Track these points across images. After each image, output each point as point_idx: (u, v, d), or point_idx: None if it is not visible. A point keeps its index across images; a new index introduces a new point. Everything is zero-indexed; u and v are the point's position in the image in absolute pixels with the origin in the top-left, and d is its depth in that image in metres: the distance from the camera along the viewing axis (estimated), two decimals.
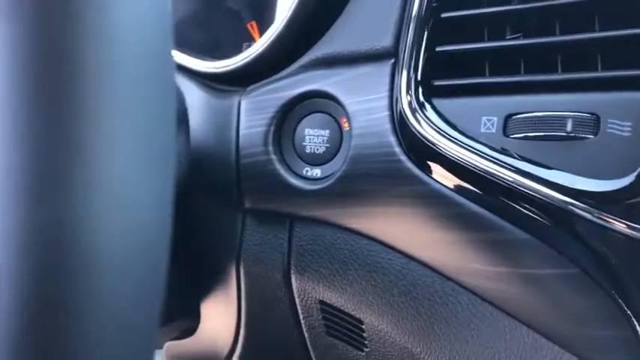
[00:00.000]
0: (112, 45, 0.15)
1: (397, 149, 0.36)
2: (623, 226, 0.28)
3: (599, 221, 0.29)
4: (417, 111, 0.34)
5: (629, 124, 0.28)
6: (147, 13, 0.16)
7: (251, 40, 0.49)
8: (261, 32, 0.47)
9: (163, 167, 0.16)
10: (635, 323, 0.29)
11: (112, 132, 0.14)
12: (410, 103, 0.35)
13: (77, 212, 0.14)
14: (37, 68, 0.14)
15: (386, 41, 0.38)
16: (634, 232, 0.28)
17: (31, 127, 0.14)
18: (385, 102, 0.37)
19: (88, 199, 0.14)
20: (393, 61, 0.37)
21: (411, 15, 0.36)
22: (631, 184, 0.28)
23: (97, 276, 0.14)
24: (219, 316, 0.51)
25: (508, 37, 0.34)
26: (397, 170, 0.36)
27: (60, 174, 0.13)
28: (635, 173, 0.28)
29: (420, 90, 0.35)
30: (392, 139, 0.36)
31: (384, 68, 0.37)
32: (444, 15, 0.35)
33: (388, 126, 0.36)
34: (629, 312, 0.29)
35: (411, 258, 0.38)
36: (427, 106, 0.34)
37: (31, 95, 0.14)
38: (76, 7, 0.14)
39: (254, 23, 0.49)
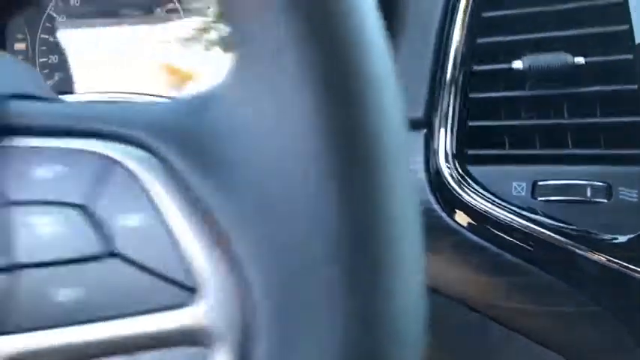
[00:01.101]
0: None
1: (436, 206, 0.42)
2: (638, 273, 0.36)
3: (616, 267, 0.36)
4: (455, 177, 0.41)
5: (636, 191, 0.36)
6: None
7: None
8: None
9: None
10: None
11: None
12: (450, 171, 0.41)
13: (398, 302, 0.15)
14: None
15: (418, 112, 0.44)
16: None
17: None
18: (421, 165, 0.43)
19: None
20: (425, 130, 0.43)
21: (443, 92, 0.42)
22: None
23: None
24: None
25: (523, 117, 0.42)
26: (437, 224, 0.42)
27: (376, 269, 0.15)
28: None
29: (457, 159, 0.41)
30: (430, 198, 0.42)
31: (418, 137, 0.43)
32: (471, 95, 0.42)
33: (425, 186, 0.42)
34: None
35: (449, 298, 0.44)
36: (464, 173, 0.41)
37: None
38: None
39: None
